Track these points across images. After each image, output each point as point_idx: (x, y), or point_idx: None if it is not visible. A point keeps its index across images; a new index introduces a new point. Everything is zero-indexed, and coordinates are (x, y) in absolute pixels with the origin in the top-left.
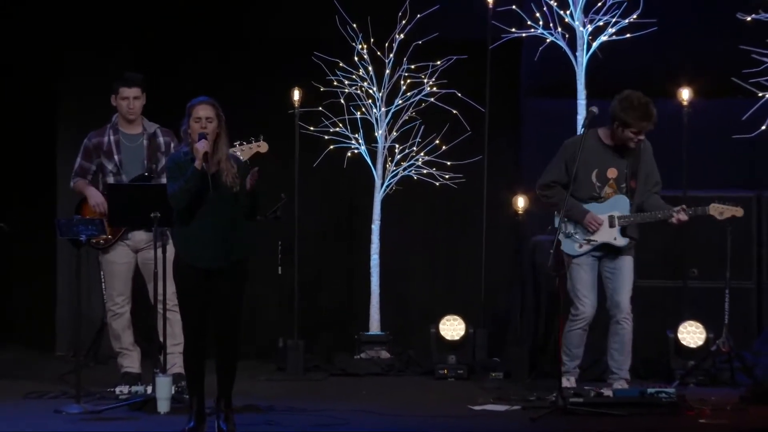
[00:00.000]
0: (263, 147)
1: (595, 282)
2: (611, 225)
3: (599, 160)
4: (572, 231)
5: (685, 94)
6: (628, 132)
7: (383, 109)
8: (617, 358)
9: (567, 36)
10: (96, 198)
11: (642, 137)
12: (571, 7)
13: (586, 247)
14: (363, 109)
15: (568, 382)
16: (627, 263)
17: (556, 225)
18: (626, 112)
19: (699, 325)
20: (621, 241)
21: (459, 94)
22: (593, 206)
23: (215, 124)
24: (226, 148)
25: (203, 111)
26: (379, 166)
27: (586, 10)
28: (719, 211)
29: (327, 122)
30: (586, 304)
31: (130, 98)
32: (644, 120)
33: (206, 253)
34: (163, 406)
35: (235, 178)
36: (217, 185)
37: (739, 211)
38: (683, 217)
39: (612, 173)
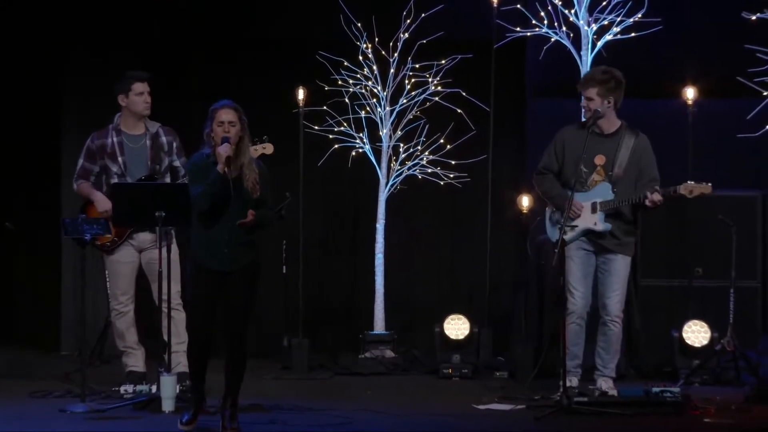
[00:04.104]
0: (269, 149)
1: (588, 275)
2: (593, 211)
3: (587, 146)
4: (560, 219)
5: (689, 93)
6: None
7: (388, 108)
8: (603, 356)
9: (572, 35)
10: (104, 205)
11: (585, 104)
12: (576, 6)
13: (570, 234)
14: (368, 109)
15: (570, 383)
16: (621, 265)
17: (547, 215)
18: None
19: (704, 324)
20: (601, 226)
21: (464, 94)
22: (578, 195)
23: (238, 128)
24: (248, 152)
25: (226, 115)
26: (384, 165)
27: (590, 9)
28: (689, 189)
29: (331, 121)
30: (577, 297)
31: (145, 93)
32: (582, 81)
33: (223, 256)
34: (167, 405)
35: (256, 183)
36: (239, 189)
37: (707, 188)
38: (656, 197)
39: (600, 160)
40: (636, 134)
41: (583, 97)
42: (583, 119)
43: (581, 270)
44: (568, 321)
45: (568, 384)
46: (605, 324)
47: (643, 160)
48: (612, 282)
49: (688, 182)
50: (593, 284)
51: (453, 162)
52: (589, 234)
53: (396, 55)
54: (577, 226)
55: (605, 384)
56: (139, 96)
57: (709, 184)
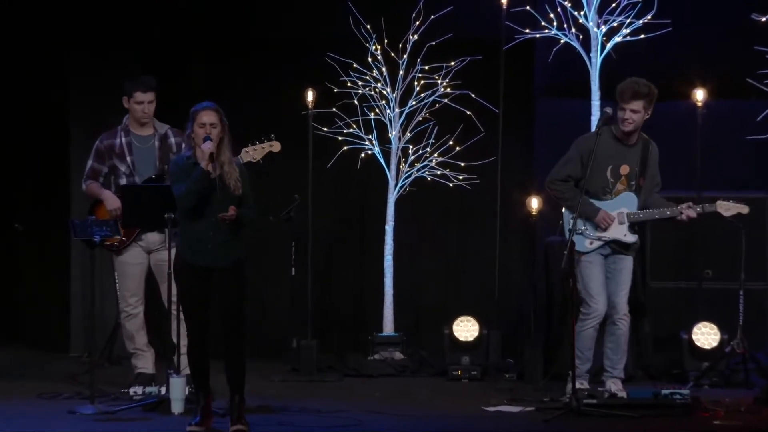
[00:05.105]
0: (276, 146)
1: (604, 279)
2: (620, 222)
3: (613, 155)
4: (582, 228)
5: (699, 95)
6: (620, 112)
7: (397, 110)
8: (612, 357)
9: (581, 37)
10: (113, 203)
11: (630, 117)
12: (585, 8)
13: (596, 243)
14: (377, 110)
15: (581, 386)
16: (628, 265)
17: (566, 221)
18: (619, 89)
19: (713, 326)
20: (630, 238)
21: (473, 95)
22: (603, 204)
23: (219, 129)
24: (228, 152)
25: (207, 117)
26: (393, 167)
27: (600, 11)
28: (726, 207)
29: (341, 123)
30: (599, 302)
31: (145, 103)
32: (626, 94)
33: (208, 253)
34: (176, 407)
35: (237, 182)
36: (221, 187)
37: (744, 209)
38: (692, 213)
39: (624, 169)
40: (649, 141)
41: (626, 110)
42: (623, 129)
43: (602, 275)
44: (585, 325)
45: (579, 387)
46: (614, 323)
47: (655, 168)
48: (622, 281)
49: (723, 201)
50: None
51: (462, 164)
52: (613, 243)
53: (405, 56)
54: (606, 237)
55: (614, 385)
56: (138, 104)
57: (745, 205)
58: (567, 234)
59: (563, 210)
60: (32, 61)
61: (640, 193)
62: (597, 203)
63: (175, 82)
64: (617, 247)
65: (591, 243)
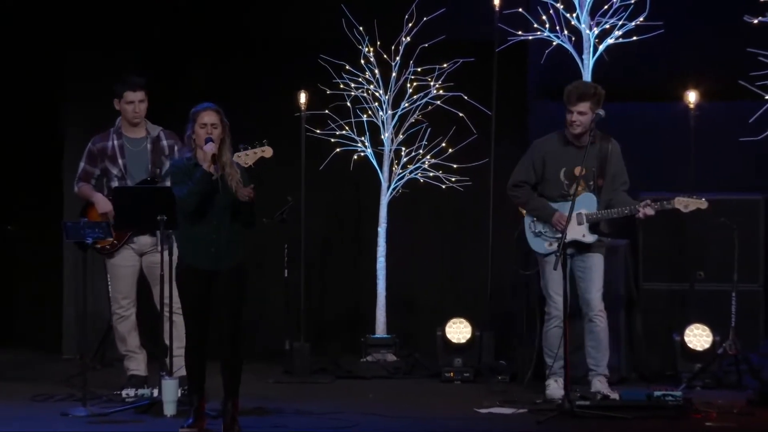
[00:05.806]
0: (268, 152)
1: (567, 279)
2: (579, 222)
3: (566, 158)
4: (541, 230)
5: (691, 96)
6: (567, 115)
7: (390, 111)
8: (594, 355)
9: (573, 39)
10: (105, 207)
11: (577, 119)
12: (578, 10)
13: (555, 245)
14: (369, 112)
15: (556, 383)
16: (597, 261)
17: (526, 225)
18: (565, 93)
19: (705, 327)
20: (589, 238)
21: (465, 97)
22: (562, 205)
23: (220, 130)
24: (229, 153)
25: (208, 117)
26: (386, 169)
27: (592, 13)
28: (684, 204)
29: (333, 125)
30: (558, 302)
31: (136, 102)
32: (572, 96)
33: (210, 256)
34: (169, 409)
35: (239, 183)
36: (223, 188)
37: (703, 204)
38: (649, 211)
39: (578, 171)
40: (608, 140)
41: (573, 112)
42: (562, 132)
43: (560, 274)
44: (549, 325)
45: (555, 385)
46: (591, 321)
47: (617, 166)
48: (593, 278)
49: (682, 197)
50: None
51: (455, 165)
52: (573, 245)
53: (398, 58)
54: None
55: (600, 384)
56: (128, 104)
57: (704, 199)
58: (529, 241)
59: (524, 214)
60: (26, 62)
61: (600, 194)
62: (555, 205)
63: (175, 82)
64: (578, 248)
65: (550, 245)
